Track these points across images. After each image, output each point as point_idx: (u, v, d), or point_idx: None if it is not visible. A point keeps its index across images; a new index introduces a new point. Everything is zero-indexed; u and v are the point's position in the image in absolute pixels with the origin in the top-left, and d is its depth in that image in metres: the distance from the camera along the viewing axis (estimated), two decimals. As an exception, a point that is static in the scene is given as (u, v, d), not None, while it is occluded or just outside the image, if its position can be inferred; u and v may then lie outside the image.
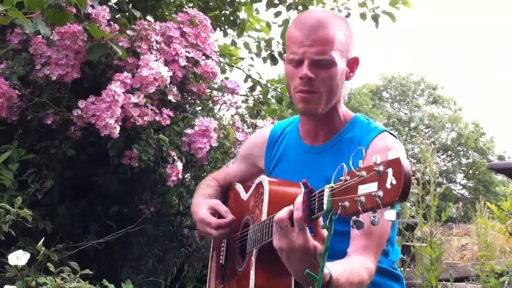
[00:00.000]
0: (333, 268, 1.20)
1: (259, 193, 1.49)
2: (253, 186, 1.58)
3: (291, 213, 1.17)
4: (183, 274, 3.04)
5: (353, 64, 1.51)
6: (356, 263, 1.33)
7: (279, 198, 1.39)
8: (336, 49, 1.42)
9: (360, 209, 0.94)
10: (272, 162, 1.69)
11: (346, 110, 1.59)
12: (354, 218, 0.96)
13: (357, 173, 0.97)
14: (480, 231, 6.23)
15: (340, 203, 0.99)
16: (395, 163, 0.90)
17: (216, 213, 1.65)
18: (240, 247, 1.57)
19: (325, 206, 1.04)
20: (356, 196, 0.95)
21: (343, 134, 1.54)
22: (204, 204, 1.70)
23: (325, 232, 1.15)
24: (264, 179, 1.49)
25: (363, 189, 0.94)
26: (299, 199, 1.16)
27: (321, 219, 1.17)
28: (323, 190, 1.06)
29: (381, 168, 0.91)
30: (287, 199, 1.24)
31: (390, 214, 0.90)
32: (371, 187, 0.92)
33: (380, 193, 0.90)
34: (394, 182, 0.89)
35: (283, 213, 1.17)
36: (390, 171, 0.90)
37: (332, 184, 1.04)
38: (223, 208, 1.64)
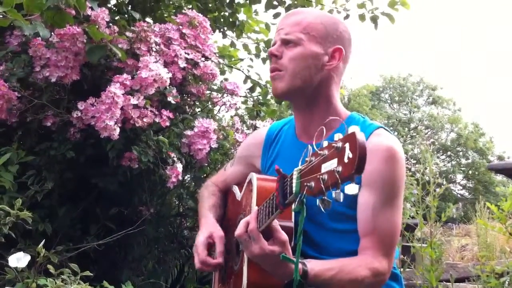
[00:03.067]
0: (315, 264, 1.26)
1: (249, 190, 1.50)
2: (245, 184, 1.59)
3: (247, 226, 1.27)
4: (184, 276, 3.04)
5: (334, 53, 1.51)
6: (355, 262, 1.34)
7: (266, 195, 1.40)
8: (305, 32, 1.49)
9: (322, 187, 0.95)
10: (268, 161, 1.69)
11: (342, 108, 1.59)
12: (320, 197, 0.97)
13: (319, 152, 0.99)
14: (480, 231, 6.24)
15: (306, 184, 1.01)
16: (350, 138, 0.92)
17: (213, 244, 1.63)
18: (235, 246, 1.58)
19: (294, 189, 1.06)
20: (319, 175, 0.97)
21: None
22: (209, 228, 1.67)
23: (282, 235, 1.24)
24: (253, 176, 1.50)
25: (325, 167, 0.96)
26: (253, 212, 1.27)
27: (276, 221, 1.25)
28: (292, 174, 1.09)
29: (339, 144, 0.94)
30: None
31: (350, 188, 0.92)
32: (332, 164, 0.94)
33: (339, 169, 0.92)
34: (351, 156, 0.91)
35: (240, 228, 1.29)
36: (347, 146, 0.92)
37: (300, 167, 1.06)
38: (219, 247, 1.61)
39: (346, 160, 0.91)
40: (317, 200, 0.98)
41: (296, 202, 1.06)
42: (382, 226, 1.38)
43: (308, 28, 1.49)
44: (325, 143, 0.99)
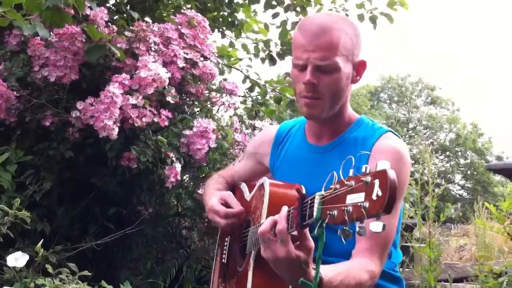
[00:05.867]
0: (327, 271, 1.22)
1: (260, 194, 1.50)
2: (256, 187, 1.59)
3: (274, 225, 1.20)
4: (182, 275, 3.04)
5: (360, 67, 1.50)
6: (356, 265, 1.33)
7: (278, 201, 1.39)
8: (340, 54, 1.42)
9: (346, 219, 0.95)
10: (277, 161, 1.70)
11: (352, 112, 1.60)
12: (341, 227, 0.97)
13: (346, 182, 0.98)
14: (479, 231, 6.24)
15: (328, 212, 1.00)
16: (381, 175, 0.91)
17: (226, 204, 1.65)
18: (240, 247, 1.58)
19: (315, 214, 1.05)
20: (343, 206, 0.96)
21: (348, 133, 1.55)
22: (216, 194, 1.70)
23: (310, 242, 1.18)
24: (266, 181, 1.50)
25: (351, 199, 0.95)
26: (283, 212, 1.20)
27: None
28: (314, 197, 1.08)
29: (368, 178, 0.92)
30: (286, 202, 1.25)
31: (375, 225, 0.92)
32: (359, 197, 0.93)
33: (366, 204, 0.91)
34: (380, 194, 0.90)
35: (266, 225, 1.21)
36: (377, 182, 0.91)
37: (322, 192, 1.05)
38: (233, 200, 1.64)
39: (374, 197, 0.90)
40: (338, 229, 0.97)
41: (317, 228, 1.05)
42: None
43: (342, 50, 1.42)
44: (351, 172, 0.98)
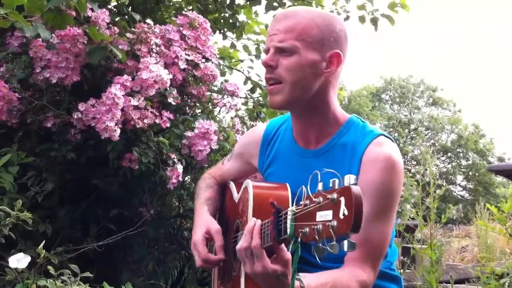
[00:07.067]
0: (311, 280, 1.22)
1: (246, 198, 1.48)
2: (241, 189, 1.58)
3: (249, 241, 1.21)
4: (184, 277, 3.04)
5: (333, 58, 1.44)
6: (345, 275, 1.32)
7: (264, 203, 1.38)
8: (300, 38, 1.40)
9: (317, 238, 0.94)
10: (265, 162, 1.68)
11: (341, 112, 1.54)
12: (315, 244, 0.96)
13: (314, 199, 0.97)
14: (480, 232, 6.24)
15: (300, 230, 1.00)
16: (346, 192, 0.89)
17: (210, 239, 1.61)
18: (233, 250, 1.57)
19: (288, 231, 1.05)
20: (314, 224, 0.95)
21: (337, 138, 1.50)
22: (203, 223, 1.65)
23: (286, 254, 1.18)
24: (249, 184, 1.48)
25: (320, 217, 0.95)
26: (256, 227, 1.21)
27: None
28: (287, 213, 1.07)
29: (334, 196, 0.91)
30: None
31: (346, 245, 0.91)
32: (327, 215, 0.93)
33: (334, 223, 0.90)
34: (346, 213, 0.89)
35: (241, 243, 1.23)
36: (342, 200, 0.90)
37: (294, 208, 1.05)
38: (218, 241, 1.58)
39: (341, 216, 0.89)
40: (312, 247, 0.96)
41: (291, 244, 1.05)
42: (373, 238, 1.35)
43: (303, 34, 1.40)
44: (320, 186, 0.97)
